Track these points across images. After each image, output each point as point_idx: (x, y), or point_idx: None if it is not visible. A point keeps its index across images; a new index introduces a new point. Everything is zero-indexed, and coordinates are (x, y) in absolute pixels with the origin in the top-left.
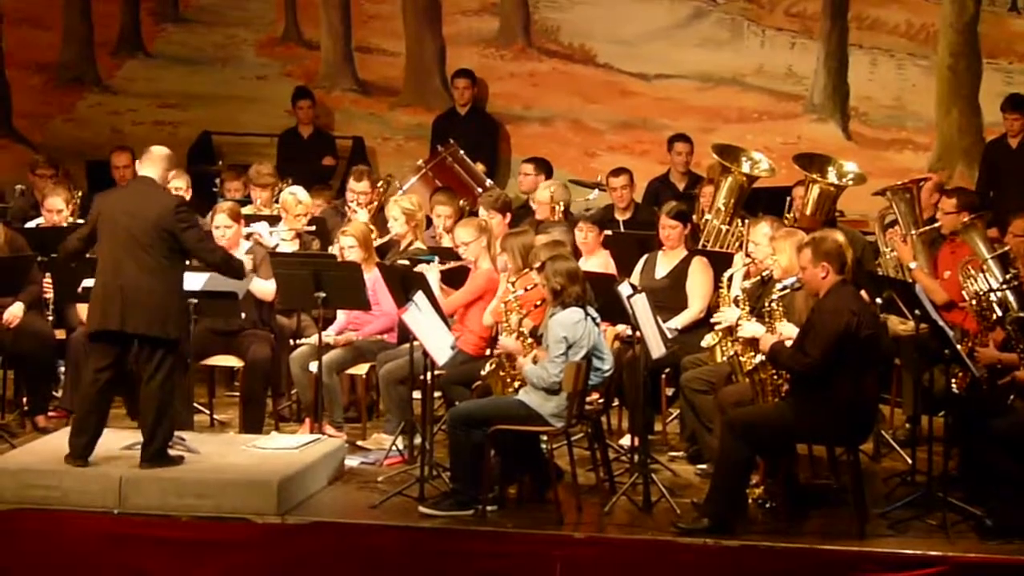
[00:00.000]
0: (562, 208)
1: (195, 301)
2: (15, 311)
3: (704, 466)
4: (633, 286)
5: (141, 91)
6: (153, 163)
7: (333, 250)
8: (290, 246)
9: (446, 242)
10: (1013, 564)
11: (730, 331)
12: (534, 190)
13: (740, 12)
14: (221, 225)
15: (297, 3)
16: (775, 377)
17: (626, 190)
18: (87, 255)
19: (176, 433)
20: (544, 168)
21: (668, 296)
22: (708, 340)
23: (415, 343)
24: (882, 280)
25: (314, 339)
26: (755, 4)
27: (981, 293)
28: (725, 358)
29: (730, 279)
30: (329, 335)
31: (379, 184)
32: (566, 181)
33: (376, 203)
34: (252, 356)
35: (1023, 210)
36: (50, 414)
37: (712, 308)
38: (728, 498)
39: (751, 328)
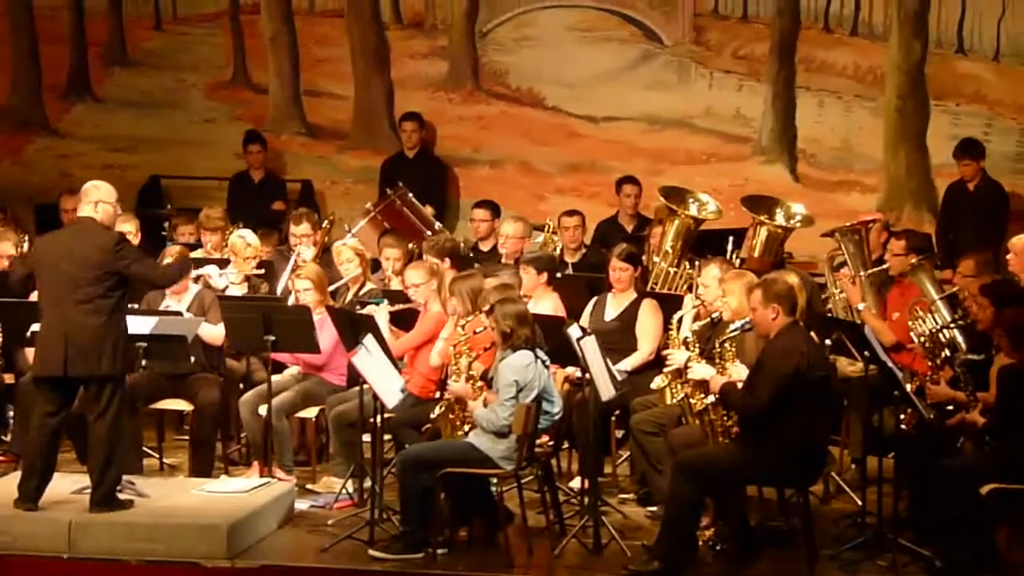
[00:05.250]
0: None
1: (144, 345)
2: None
3: (654, 508)
4: (583, 328)
5: (90, 135)
6: (85, 201)
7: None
8: (239, 289)
9: (395, 284)
10: None
11: (679, 373)
12: (489, 235)
13: (688, 55)
14: None
15: (245, 47)
16: (725, 418)
17: (579, 230)
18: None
19: (125, 477)
20: (496, 212)
21: (618, 338)
22: (658, 382)
23: (365, 386)
24: (831, 321)
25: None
26: (702, 46)
27: (931, 332)
28: (675, 400)
29: (679, 321)
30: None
31: (324, 224)
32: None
33: (320, 243)
34: (201, 400)
35: (977, 251)
36: None
37: (662, 350)
38: (679, 540)
39: (701, 370)
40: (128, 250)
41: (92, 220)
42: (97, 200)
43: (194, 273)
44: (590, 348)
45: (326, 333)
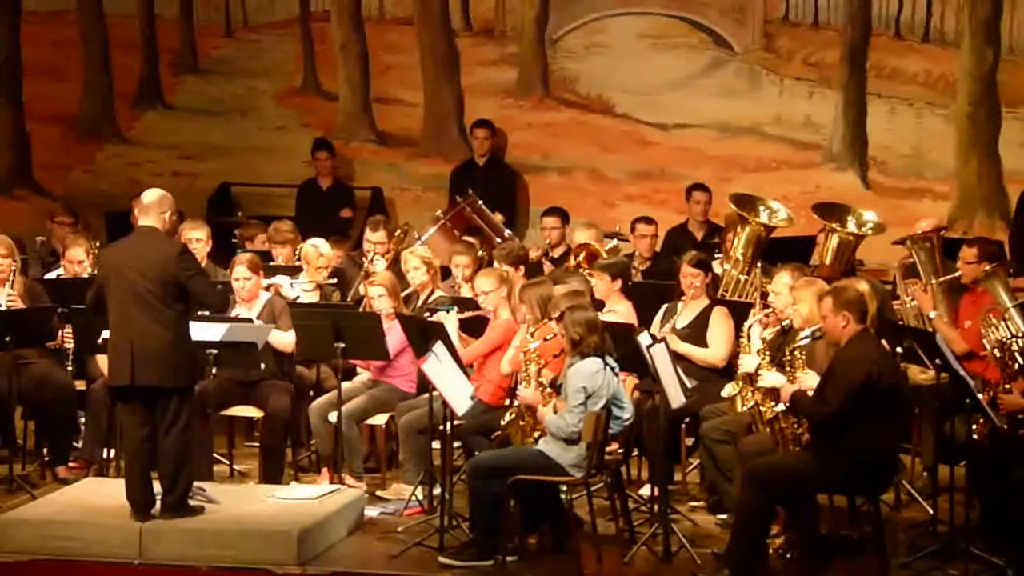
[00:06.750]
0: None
1: (215, 352)
2: None
3: (724, 516)
4: (653, 336)
5: (160, 142)
6: (148, 211)
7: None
8: (311, 297)
9: (465, 291)
10: None
11: (750, 379)
12: (560, 242)
13: (758, 62)
14: (240, 277)
15: (315, 54)
16: (795, 426)
17: (655, 239)
18: None
19: (196, 483)
20: (566, 219)
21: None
22: (728, 390)
23: (434, 393)
24: (902, 329)
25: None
26: (773, 53)
27: (1004, 341)
28: (745, 408)
29: (750, 328)
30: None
31: (396, 233)
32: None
33: (393, 252)
34: (272, 406)
35: None
36: (71, 465)
37: (733, 358)
38: (749, 548)
39: (771, 377)
40: (191, 262)
41: (155, 229)
42: (158, 210)
43: (265, 282)
44: (660, 355)
45: (392, 336)
